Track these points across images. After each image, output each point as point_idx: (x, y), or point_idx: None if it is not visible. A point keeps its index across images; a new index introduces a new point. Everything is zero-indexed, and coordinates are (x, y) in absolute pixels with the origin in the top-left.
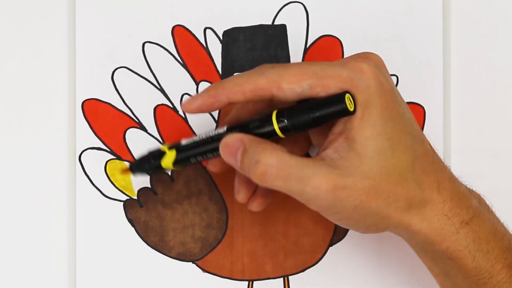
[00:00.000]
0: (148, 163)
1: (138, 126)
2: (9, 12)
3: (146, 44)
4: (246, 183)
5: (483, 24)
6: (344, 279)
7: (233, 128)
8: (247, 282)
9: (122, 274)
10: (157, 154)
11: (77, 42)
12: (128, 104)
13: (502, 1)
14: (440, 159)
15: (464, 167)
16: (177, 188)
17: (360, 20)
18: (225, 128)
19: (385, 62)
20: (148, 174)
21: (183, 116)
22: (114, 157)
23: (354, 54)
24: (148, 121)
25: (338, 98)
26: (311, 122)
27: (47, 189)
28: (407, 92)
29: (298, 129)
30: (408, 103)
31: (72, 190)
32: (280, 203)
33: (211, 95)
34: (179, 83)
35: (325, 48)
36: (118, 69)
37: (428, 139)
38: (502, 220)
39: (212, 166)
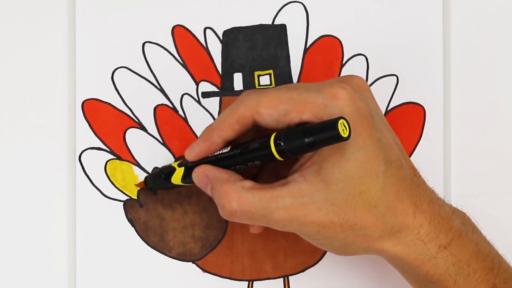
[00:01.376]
0: (160, 179)
1: (138, 126)
2: (9, 12)
3: (146, 44)
4: None
5: (483, 24)
6: (344, 279)
7: (236, 148)
8: (247, 282)
9: (122, 274)
10: (168, 171)
11: (77, 42)
12: (128, 104)
13: (502, 1)
14: (421, 181)
15: (464, 167)
16: (177, 188)
17: (360, 20)
18: (228, 148)
19: (385, 63)
20: (160, 189)
21: (183, 116)
22: (114, 157)
23: (338, 77)
24: (148, 121)
25: (331, 124)
26: (306, 147)
27: (47, 189)
28: (407, 92)
29: (294, 153)
30: (408, 103)
31: (72, 190)
32: None
33: (205, 139)
34: (179, 83)
35: (325, 48)
36: (118, 69)
37: (415, 162)
38: (493, 234)
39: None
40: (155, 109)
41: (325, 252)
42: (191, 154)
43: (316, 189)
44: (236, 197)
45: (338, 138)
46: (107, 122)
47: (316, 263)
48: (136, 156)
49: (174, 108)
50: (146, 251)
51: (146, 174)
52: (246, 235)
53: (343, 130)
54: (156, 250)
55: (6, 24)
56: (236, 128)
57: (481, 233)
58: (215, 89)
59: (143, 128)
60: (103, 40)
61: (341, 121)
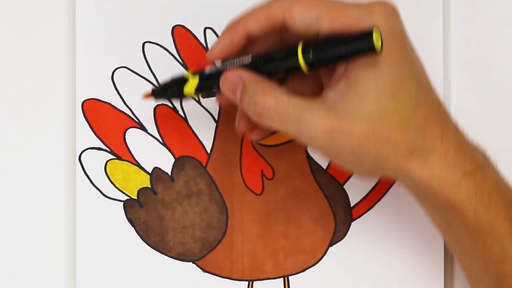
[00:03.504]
0: (171, 89)
1: (138, 126)
2: (9, 12)
3: (146, 44)
4: (247, 116)
5: (483, 24)
6: (344, 279)
7: (259, 57)
8: (247, 282)
9: (122, 274)
10: (180, 81)
11: (77, 42)
12: (128, 104)
13: (502, 1)
14: (446, 111)
15: None
16: (177, 188)
17: None
18: (250, 57)
19: None
20: (169, 100)
21: (183, 116)
22: (114, 157)
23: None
24: (148, 121)
25: (366, 34)
26: (336, 57)
27: (47, 189)
28: None
29: (322, 63)
30: None
31: (72, 190)
32: (280, 203)
33: (229, 31)
34: None
35: None
36: (118, 69)
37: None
38: None
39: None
40: (155, 109)
41: (325, 252)
42: (213, 52)
43: (351, 105)
44: (273, 94)
45: (372, 50)
46: (107, 122)
47: (316, 263)
48: (136, 156)
49: (174, 108)
50: (146, 251)
51: (148, 174)
52: (246, 235)
53: (377, 43)
54: (156, 250)
55: (6, 24)
56: (262, 24)
57: (499, 172)
58: (215, 89)
59: (143, 128)
60: (103, 40)
61: (375, 29)
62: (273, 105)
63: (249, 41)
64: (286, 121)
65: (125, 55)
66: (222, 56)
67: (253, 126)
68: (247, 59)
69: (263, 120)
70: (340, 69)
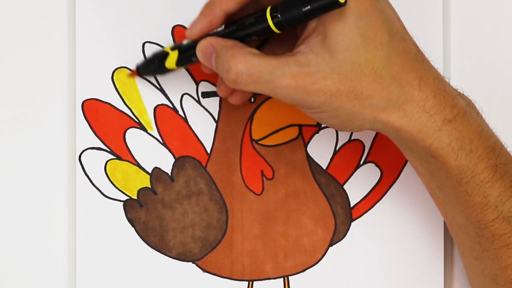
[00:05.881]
0: (153, 64)
1: (138, 126)
2: (9, 12)
3: (146, 44)
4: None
5: (483, 24)
6: (344, 279)
7: (230, 25)
8: (247, 282)
9: (122, 274)
10: (161, 56)
11: (77, 42)
12: (128, 104)
13: (502, 1)
14: (425, 59)
15: None
16: (177, 188)
17: None
18: (223, 27)
19: None
20: (154, 75)
21: (183, 116)
22: (114, 157)
23: None
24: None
25: None
26: (303, 16)
27: (47, 189)
28: None
29: (291, 23)
30: None
31: (72, 190)
32: (280, 203)
33: (206, 14)
34: (179, 83)
35: None
36: (118, 69)
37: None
38: None
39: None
40: (155, 109)
41: (325, 252)
42: (193, 32)
43: (322, 59)
44: (243, 59)
45: (336, 4)
46: (107, 122)
47: (316, 263)
48: (136, 156)
49: (174, 108)
50: (146, 251)
51: (148, 174)
52: (246, 235)
53: None
54: (156, 250)
55: (6, 24)
56: (238, 0)
57: (484, 119)
58: (215, 89)
59: (143, 128)
60: (103, 40)
61: None
62: (245, 70)
63: (228, 18)
64: (259, 83)
65: (125, 55)
66: (201, 35)
67: (233, 89)
68: (220, 28)
69: (238, 85)
70: (311, 24)
